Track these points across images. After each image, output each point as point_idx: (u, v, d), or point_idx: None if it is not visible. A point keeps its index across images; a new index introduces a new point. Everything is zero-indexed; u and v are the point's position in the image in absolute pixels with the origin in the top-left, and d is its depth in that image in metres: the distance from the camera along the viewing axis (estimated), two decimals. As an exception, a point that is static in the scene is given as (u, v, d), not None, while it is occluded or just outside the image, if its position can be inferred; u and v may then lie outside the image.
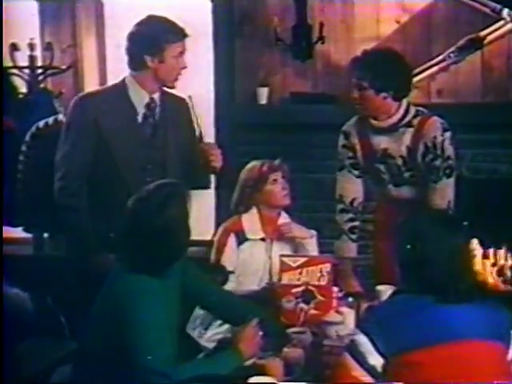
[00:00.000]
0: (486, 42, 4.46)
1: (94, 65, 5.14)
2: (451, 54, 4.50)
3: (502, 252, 3.85)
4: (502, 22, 4.42)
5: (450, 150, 3.45)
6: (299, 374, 2.76)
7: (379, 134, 3.50)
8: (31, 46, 4.77)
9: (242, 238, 3.61)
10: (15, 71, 4.75)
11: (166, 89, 3.30)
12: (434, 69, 4.53)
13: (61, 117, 3.69)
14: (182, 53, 3.22)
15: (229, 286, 3.48)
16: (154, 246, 2.62)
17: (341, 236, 3.66)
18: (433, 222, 2.53)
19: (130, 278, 2.64)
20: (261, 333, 2.77)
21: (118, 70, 3.33)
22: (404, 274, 2.49)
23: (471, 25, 4.47)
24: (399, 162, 3.50)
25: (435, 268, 2.41)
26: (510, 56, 4.54)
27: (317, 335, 3.04)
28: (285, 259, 3.32)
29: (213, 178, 3.59)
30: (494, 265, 3.58)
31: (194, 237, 2.88)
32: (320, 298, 3.24)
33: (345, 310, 3.21)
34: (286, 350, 2.87)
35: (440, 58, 4.52)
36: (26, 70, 4.77)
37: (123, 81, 3.29)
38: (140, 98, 3.25)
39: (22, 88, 4.78)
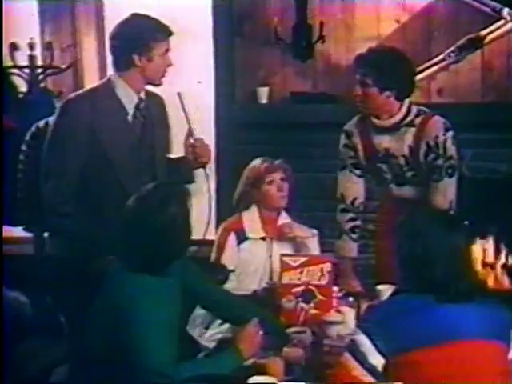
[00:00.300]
0: (486, 41, 4.45)
1: (94, 64, 5.13)
2: (451, 54, 4.50)
3: (502, 252, 3.85)
4: (502, 22, 4.42)
5: (452, 150, 3.45)
6: (299, 373, 2.77)
7: (381, 133, 3.50)
8: (31, 46, 4.76)
9: (242, 237, 3.62)
10: (15, 71, 4.74)
11: (147, 87, 3.30)
12: (434, 68, 4.53)
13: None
14: (167, 50, 3.21)
15: (229, 285, 3.48)
16: (154, 245, 2.62)
17: (341, 235, 3.67)
18: (433, 221, 2.53)
19: (130, 277, 2.64)
20: (261, 332, 2.77)
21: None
22: (404, 274, 2.50)
23: (471, 24, 4.47)
24: (401, 161, 3.50)
25: (436, 267, 2.41)
26: (510, 55, 4.54)
27: (317, 335, 3.05)
28: (285, 259, 3.32)
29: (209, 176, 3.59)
30: (494, 264, 3.56)
31: (194, 236, 2.88)
32: (320, 297, 3.24)
33: (345, 309, 3.21)
34: (286, 349, 2.87)
35: (440, 57, 4.52)
36: (26, 70, 4.77)
37: (109, 80, 3.27)
38: (129, 98, 3.23)
39: (22, 87, 4.78)
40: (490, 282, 3.31)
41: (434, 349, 2.35)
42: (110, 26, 5.07)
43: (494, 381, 2.37)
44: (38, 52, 4.81)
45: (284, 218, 3.69)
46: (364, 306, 3.19)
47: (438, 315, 2.39)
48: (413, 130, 3.46)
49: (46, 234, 4.18)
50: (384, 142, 3.51)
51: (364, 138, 3.57)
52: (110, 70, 3.36)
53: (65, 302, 3.32)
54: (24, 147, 3.64)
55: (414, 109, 3.49)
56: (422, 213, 2.73)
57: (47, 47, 4.83)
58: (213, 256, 3.63)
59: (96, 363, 2.66)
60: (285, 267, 3.30)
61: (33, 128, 3.64)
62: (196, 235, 3.22)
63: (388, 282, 3.10)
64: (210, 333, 3.33)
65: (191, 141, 3.30)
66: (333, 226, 3.75)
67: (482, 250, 3.48)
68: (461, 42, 4.47)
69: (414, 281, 2.45)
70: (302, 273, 3.27)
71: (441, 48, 4.52)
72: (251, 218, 3.65)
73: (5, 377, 2.79)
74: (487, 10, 4.42)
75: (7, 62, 4.71)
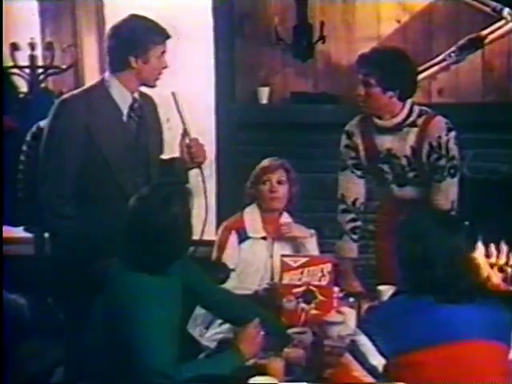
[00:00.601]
0: (486, 41, 4.45)
1: (95, 64, 5.14)
2: (452, 54, 4.50)
3: (502, 252, 3.85)
4: (502, 22, 4.42)
5: (454, 150, 3.45)
6: (300, 374, 2.76)
7: (383, 133, 3.50)
8: (32, 46, 4.77)
9: (243, 236, 3.62)
10: (16, 71, 4.74)
11: (140, 88, 3.30)
12: (435, 68, 4.53)
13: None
14: (163, 53, 3.21)
15: (230, 284, 3.49)
16: (156, 245, 2.62)
17: (342, 236, 3.66)
18: (433, 221, 2.52)
19: (131, 276, 2.64)
20: (262, 333, 2.77)
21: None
22: (404, 274, 2.49)
23: (472, 24, 4.47)
24: (403, 161, 3.50)
25: (436, 268, 2.41)
26: (511, 55, 4.53)
27: (318, 335, 3.04)
28: (286, 259, 3.33)
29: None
30: (494, 264, 3.56)
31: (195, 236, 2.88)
32: (321, 298, 3.24)
33: (346, 310, 3.21)
34: (286, 350, 2.87)
35: (441, 57, 4.52)
36: (27, 70, 4.77)
37: (103, 81, 3.27)
38: (123, 98, 3.23)
39: (23, 88, 4.78)
40: (491, 282, 3.31)
41: (434, 349, 2.35)
42: (110, 26, 5.09)
43: (494, 381, 2.36)
44: (38, 52, 4.81)
45: (285, 219, 3.69)
46: (365, 306, 3.19)
47: (439, 316, 2.39)
48: (415, 130, 3.46)
49: (46, 235, 4.19)
50: (386, 142, 3.51)
51: (365, 139, 3.57)
52: (111, 70, 3.35)
53: (65, 302, 3.34)
54: (24, 147, 3.65)
55: (417, 109, 3.48)
56: (422, 213, 2.73)
57: (48, 47, 4.83)
58: (214, 255, 3.63)
59: (97, 363, 2.66)
60: (285, 268, 3.30)
61: (33, 128, 3.65)
62: (206, 235, 3.23)
63: (389, 283, 3.10)
64: (210, 332, 3.33)
65: (187, 141, 3.30)
66: (333, 226, 3.75)
67: (483, 249, 3.49)
68: (461, 42, 4.47)
69: (414, 281, 2.45)
70: (302, 273, 3.27)
71: (441, 48, 4.52)
72: (252, 218, 3.66)
73: (5, 377, 2.79)
74: (488, 10, 4.42)
75: (8, 62, 4.71)
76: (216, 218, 4.70)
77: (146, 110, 3.32)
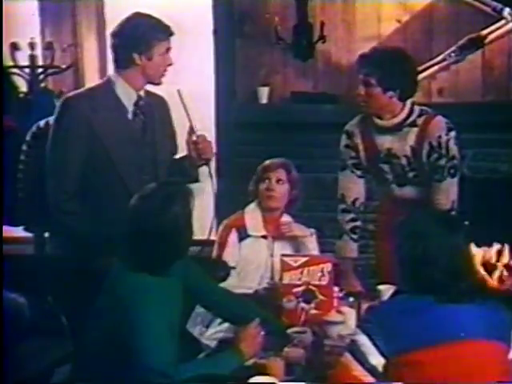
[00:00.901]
0: (486, 41, 4.46)
1: (95, 64, 5.14)
2: (452, 54, 4.50)
3: (502, 252, 3.85)
4: (502, 22, 4.42)
5: (454, 150, 3.45)
6: (300, 373, 2.76)
7: (383, 133, 3.50)
8: (32, 46, 4.77)
9: (243, 234, 3.63)
10: (16, 70, 4.74)
11: (146, 87, 3.30)
12: (435, 68, 4.53)
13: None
14: (168, 50, 3.22)
15: (230, 282, 3.49)
16: (157, 245, 2.62)
17: (342, 236, 3.66)
18: (433, 221, 2.52)
19: (132, 276, 2.64)
20: (262, 333, 2.77)
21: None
22: (404, 274, 2.49)
23: (472, 24, 4.47)
24: (403, 161, 3.50)
25: (436, 268, 2.41)
26: (511, 55, 4.54)
27: (318, 335, 3.04)
28: (286, 259, 3.33)
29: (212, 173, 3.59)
30: (494, 264, 3.56)
31: (199, 236, 2.88)
32: (321, 297, 3.24)
33: (346, 309, 3.21)
34: (286, 349, 2.87)
35: (441, 57, 4.52)
36: (27, 70, 4.77)
37: (108, 79, 3.28)
38: (128, 96, 3.24)
39: (23, 87, 4.78)
40: (492, 282, 3.31)
41: (434, 349, 2.35)
42: (110, 25, 5.08)
43: (494, 381, 2.36)
44: (38, 52, 4.81)
45: (286, 218, 3.69)
46: (364, 306, 3.19)
47: (439, 316, 2.38)
48: (415, 130, 3.46)
49: (46, 234, 4.19)
50: (386, 142, 3.51)
51: (365, 139, 3.57)
52: (111, 70, 3.36)
53: (65, 302, 3.34)
54: (24, 147, 3.64)
55: (417, 109, 3.48)
56: (422, 213, 2.73)
57: (48, 47, 4.83)
58: (214, 253, 3.64)
59: (97, 363, 2.65)
60: (285, 267, 3.30)
61: (33, 128, 3.64)
62: (201, 235, 3.23)
63: (389, 283, 3.10)
64: (210, 331, 3.33)
65: (193, 138, 3.29)
66: (333, 226, 3.75)
67: (483, 250, 3.49)
68: (461, 41, 4.47)
69: (414, 281, 2.45)
70: (302, 273, 3.27)
71: (441, 48, 4.52)
72: (253, 216, 3.66)
73: (5, 377, 2.80)
74: (488, 9, 4.42)
75: (8, 61, 4.71)
76: (216, 218, 4.70)
77: (154, 108, 3.31)
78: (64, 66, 4.86)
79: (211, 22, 4.84)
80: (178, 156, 3.43)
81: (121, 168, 3.19)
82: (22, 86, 4.77)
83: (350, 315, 3.16)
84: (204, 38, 4.87)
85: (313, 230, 3.70)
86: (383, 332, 2.39)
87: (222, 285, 3.39)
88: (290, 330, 3.03)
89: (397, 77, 3.39)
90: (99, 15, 5.14)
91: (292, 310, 3.24)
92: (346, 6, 4.68)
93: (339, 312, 3.20)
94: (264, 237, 3.64)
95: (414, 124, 3.46)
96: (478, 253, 3.46)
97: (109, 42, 3.28)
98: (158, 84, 3.28)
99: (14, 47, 4.72)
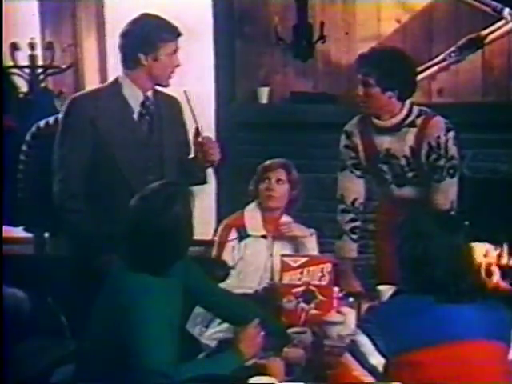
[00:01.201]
0: (486, 41, 4.45)
1: (95, 64, 5.14)
2: (452, 54, 4.50)
3: (502, 252, 3.85)
4: (502, 22, 4.42)
5: (453, 150, 3.45)
6: (300, 374, 2.76)
7: (382, 133, 3.50)
8: (32, 46, 4.77)
9: (243, 234, 3.63)
10: (16, 71, 4.75)
11: (157, 87, 3.30)
12: (435, 68, 4.53)
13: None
14: (175, 51, 3.21)
15: (229, 282, 3.49)
16: (157, 245, 2.61)
17: (342, 236, 3.66)
18: (434, 221, 2.52)
19: (132, 277, 2.64)
20: (262, 333, 2.77)
21: (119, 69, 3.32)
22: (405, 274, 2.49)
23: (472, 24, 4.47)
24: (402, 162, 3.50)
25: (437, 268, 2.41)
26: (511, 55, 4.53)
27: (317, 335, 3.04)
28: (286, 259, 3.33)
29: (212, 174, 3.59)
30: (494, 264, 3.56)
31: (202, 237, 2.88)
32: (321, 297, 3.24)
33: (346, 309, 3.21)
34: (286, 350, 2.87)
35: (440, 57, 4.52)
36: (27, 70, 4.77)
37: (116, 80, 3.28)
38: (135, 96, 3.24)
39: (23, 87, 4.78)
40: (491, 282, 3.31)
41: (434, 349, 2.35)
42: (110, 26, 5.10)
43: (494, 381, 2.36)
44: (38, 52, 4.81)
45: (286, 218, 3.70)
46: (364, 306, 3.19)
47: (439, 316, 2.38)
48: (414, 130, 3.46)
49: (46, 234, 4.20)
50: (385, 142, 3.51)
51: (365, 139, 3.57)
52: (111, 70, 3.37)
53: (65, 302, 3.34)
54: (24, 147, 3.65)
55: (416, 109, 3.48)
56: (423, 213, 2.73)
57: (48, 47, 4.83)
58: (214, 252, 3.64)
59: (97, 363, 2.65)
60: (285, 267, 3.30)
61: (33, 128, 3.65)
62: (204, 235, 3.23)
63: (389, 283, 3.10)
64: (210, 331, 3.34)
65: (199, 139, 3.29)
66: (333, 226, 3.75)
67: (483, 249, 3.49)
68: (461, 41, 4.47)
69: (414, 281, 2.45)
70: (302, 273, 3.27)
71: (441, 48, 4.52)
72: (253, 216, 3.67)
73: (5, 377, 2.79)
74: (488, 9, 4.42)
75: (8, 61, 4.71)
76: (216, 218, 4.71)
77: (163, 108, 3.30)
78: (64, 66, 4.86)
79: (211, 22, 4.84)
80: (185, 157, 3.41)
81: (124, 168, 3.19)
82: (22, 85, 4.77)
83: (350, 315, 3.16)
84: (204, 38, 4.87)
85: (313, 230, 3.70)
86: (383, 332, 2.39)
87: (222, 285, 3.39)
88: (289, 331, 3.02)
89: (395, 77, 3.39)
90: (99, 15, 5.14)
91: (292, 310, 3.23)
92: (346, 6, 4.67)
93: (339, 312, 3.20)
94: (264, 237, 3.65)
95: (412, 124, 3.46)
96: (477, 253, 3.46)
97: (117, 42, 3.28)
98: (166, 85, 3.28)
99: (14, 47, 4.72)
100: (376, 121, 3.49)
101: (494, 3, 4.40)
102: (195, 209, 2.75)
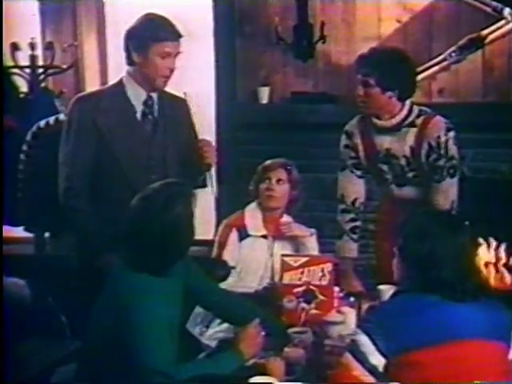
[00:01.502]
0: (487, 41, 4.46)
1: (95, 64, 5.14)
2: (452, 54, 4.50)
3: (502, 252, 3.84)
4: (503, 22, 4.42)
5: (453, 150, 3.45)
6: (300, 373, 2.76)
7: (382, 133, 3.50)
8: (32, 46, 4.77)
9: (243, 234, 3.63)
10: (16, 71, 4.74)
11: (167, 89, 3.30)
12: (435, 68, 4.53)
13: (62, 116, 3.69)
14: (170, 54, 3.18)
15: (230, 281, 3.49)
16: (158, 245, 2.62)
17: (342, 236, 3.66)
18: (438, 221, 2.52)
19: (133, 277, 2.64)
20: (262, 333, 2.77)
21: (119, 69, 3.32)
22: (410, 273, 2.48)
23: (472, 24, 4.47)
24: (402, 161, 3.50)
25: (444, 267, 2.40)
26: (511, 55, 4.53)
27: (318, 335, 3.04)
28: (286, 259, 3.33)
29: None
30: (494, 264, 3.56)
31: (203, 237, 2.88)
32: (321, 297, 3.24)
33: (346, 309, 3.21)
34: (287, 349, 2.87)
35: (441, 57, 4.52)
36: (27, 70, 4.77)
37: (121, 80, 3.29)
38: (137, 95, 3.24)
39: (23, 87, 4.78)
40: (492, 282, 3.31)
41: (434, 349, 2.35)
42: (110, 26, 5.10)
43: (494, 381, 2.36)
44: (38, 52, 4.81)
45: (286, 218, 3.70)
46: (365, 306, 3.19)
47: (439, 316, 2.38)
48: (414, 130, 3.46)
49: (46, 234, 4.19)
50: (385, 142, 3.51)
51: (365, 139, 3.57)
52: (112, 70, 3.37)
53: (66, 301, 3.34)
54: (24, 147, 3.65)
55: (416, 109, 3.48)
56: (427, 213, 2.73)
57: (48, 47, 4.83)
58: (214, 252, 3.64)
59: (98, 363, 2.66)
60: (286, 267, 3.30)
61: (33, 128, 3.65)
62: (205, 235, 3.23)
63: (389, 283, 3.09)
64: (210, 331, 3.34)
65: (196, 142, 3.28)
66: (333, 226, 3.75)
67: (483, 249, 3.49)
68: (462, 41, 4.47)
69: (420, 280, 2.44)
70: (302, 273, 3.27)
71: (442, 48, 4.52)
72: (253, 216, 3.67)
73: (5, 376, 2.79)
74: (488, 9, 4.42)
75: (8, 61, 4.71)
76: (216, 218, 4.71)
77: (168, 108, 3.30)
78: (64, 66, 4.86)
79: (211, 22, 4.84)
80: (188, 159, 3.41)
81: (127, 167, 3.20)
82: (23, 85, 4.77)
83: (351, 315, 3.16)
84: (204, 38, 4.87)
85: (313, 230, 3.70)
86: (383, 332, 2.38)
87: (222, 285, 3.39)
88: (290, 330, 3.02)
89: (395, 77, 3.39)
90: (99, 15, 5.14)
91: (292, 310, 3.23)
92: (346, 6, 4.68)
93: (339, 312, 3.20)
94: (264, 236, 3.65)
95: (412, 124, 3.46)
96: (479, 252, 3.46)
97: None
98: (158, 88, 3.25)
99: (14, 47, 4.72)
100: (376, 121, 3.49)
101: (494, 3, 4.41)
102: (196, 209, 2.75)
